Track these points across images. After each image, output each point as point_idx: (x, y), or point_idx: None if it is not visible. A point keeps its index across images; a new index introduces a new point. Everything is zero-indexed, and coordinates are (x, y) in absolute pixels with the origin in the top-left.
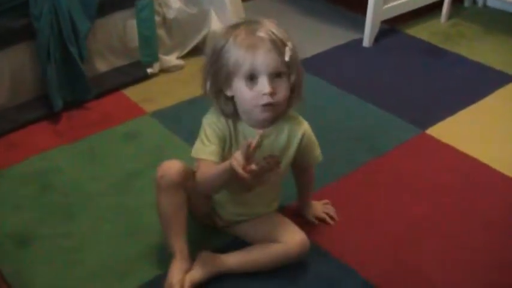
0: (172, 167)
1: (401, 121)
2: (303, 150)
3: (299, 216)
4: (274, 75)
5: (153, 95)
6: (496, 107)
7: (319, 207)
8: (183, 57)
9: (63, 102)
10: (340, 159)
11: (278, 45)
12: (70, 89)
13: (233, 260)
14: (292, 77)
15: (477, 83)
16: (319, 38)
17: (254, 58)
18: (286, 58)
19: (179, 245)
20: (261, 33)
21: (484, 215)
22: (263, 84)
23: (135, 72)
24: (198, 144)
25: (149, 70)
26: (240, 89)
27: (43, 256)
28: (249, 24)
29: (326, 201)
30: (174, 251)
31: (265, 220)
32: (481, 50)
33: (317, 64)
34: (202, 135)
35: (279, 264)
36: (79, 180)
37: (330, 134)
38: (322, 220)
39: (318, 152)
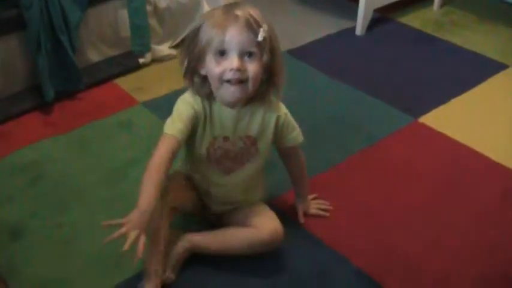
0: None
1: (394, 109)
2: (280, 132)
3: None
4: (246, 54)
5: (145, 85)
6: (489, 95)
7: (310, 204)
8: (175, 46)
9: (55, 92)
10: (333, 148)
11: (252, 25)
12: (61, 79)
13: (204, 238)
14: (264, 58)
15: (469, 71)
16: (312, 26)
17: (225, 34)
18: (259, 38)
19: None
20: (237, 12)
21: (476, 202)
22: (231, 60)
23: (127, 62)
24: (167, 121)
25: (141, 60)
26: (209, 64)
27: (36, 247)
28: (228, 5)
29: (314, 195)
30: (148, 271)
31: (244, 208)
32: (474, 38)
33: (309, 53)
34: (174, 112)
35: (251, 250)
36: (72, 171)
37: (323, 123)
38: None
39: (296, 132)
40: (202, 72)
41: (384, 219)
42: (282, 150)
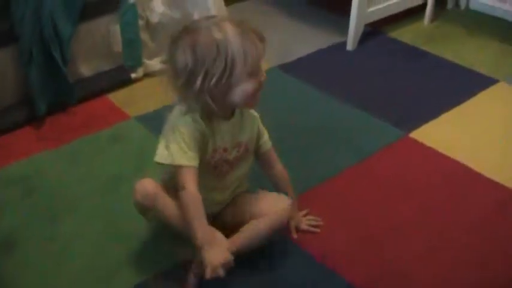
0: (146, 185)
1: (385, 124)
2: (258, 133)
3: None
4: None
5: (137, 99)
6: (479, 109)
7: (302, 220)
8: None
9: (47, 106)
10: (324, 162)
11: (263, 38)
12: (53, 93)
13: (237, 240)
14: None
15: (460, 86)
16: (303, 41)
17: (258, 55)
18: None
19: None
20: (249, 27)
21: (468, 215)
22: (262, 72)
23: (119, 77)
24: (175, 150)
25: (133, 74)
26: (241, 82)
27: (27, 260)
28: (236, 22)
29: (306, 211)
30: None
31: (248, 200)
32: (464, 52)
33: (301, 67)
34: (179, 139)
35: (273, 233)
36: (63, 184)
37: (314, 137)
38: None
39: (267, 135)
40: (214, 91)
41: (376, 234)
42: (262, 157)
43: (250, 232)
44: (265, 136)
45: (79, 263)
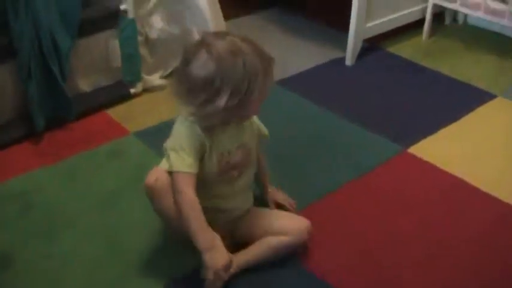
0: (160, 173)
1: (383, 139)
2: (258, 129)
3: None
4: None
5: (136, 115)
6: (477, 124)
7: (281, 196)
8: (166, 77)
9: (45, 121)
10: (323, 178)
11: None
12: (52, 109)
13: (247, 257)
14: None
15: (458, 101)
16: (301, 56)
17: (272, 74)
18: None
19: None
20: (260, 47)
21: (465, 231)
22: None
23: (118, 92)
24: (174, 157)
25: (132, 90)
26: (252, 102)
27: (24, 278)
28: (255, 44)
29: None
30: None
31: (265, 216)
32: (462, 67)
33: (299, 83)
34: (177, 147)
35: (283, 252)
36: (61, 200)
37: (313, 153)
38: (281, 207)
39: (265, 128)
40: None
41: (375, 249)
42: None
43: (263, 248)
44: (264, 129)
45: (78, 279)
